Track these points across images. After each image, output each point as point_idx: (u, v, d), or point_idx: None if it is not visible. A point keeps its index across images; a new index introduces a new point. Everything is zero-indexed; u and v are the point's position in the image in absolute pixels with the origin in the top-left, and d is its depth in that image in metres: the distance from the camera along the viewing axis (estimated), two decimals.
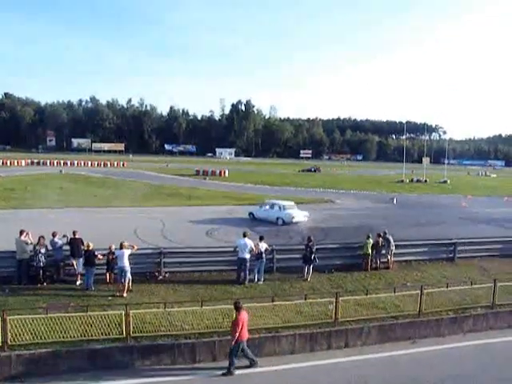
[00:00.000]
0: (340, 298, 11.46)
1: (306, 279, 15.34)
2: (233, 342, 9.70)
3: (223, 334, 10.54)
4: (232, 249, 15.47)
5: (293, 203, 28.84)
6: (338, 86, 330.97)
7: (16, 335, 9.77)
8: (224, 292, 13.65)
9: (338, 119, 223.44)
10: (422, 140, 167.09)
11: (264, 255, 15.09)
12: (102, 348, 9.98)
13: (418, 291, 12.26)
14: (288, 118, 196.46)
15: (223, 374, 9.74)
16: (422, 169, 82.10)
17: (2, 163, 77.19)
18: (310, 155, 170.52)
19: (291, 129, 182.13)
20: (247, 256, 14.68)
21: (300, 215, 27.24)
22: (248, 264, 14.72)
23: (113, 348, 10.04)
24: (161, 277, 14.93)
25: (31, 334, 9.86)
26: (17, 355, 9.60)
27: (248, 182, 55.73)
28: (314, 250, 15.45)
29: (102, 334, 10.13)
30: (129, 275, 13.52)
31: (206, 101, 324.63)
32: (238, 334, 9.63)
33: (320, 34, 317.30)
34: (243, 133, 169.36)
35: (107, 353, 10.00)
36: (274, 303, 11.35)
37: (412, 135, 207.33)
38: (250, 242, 14.89)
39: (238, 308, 9.90)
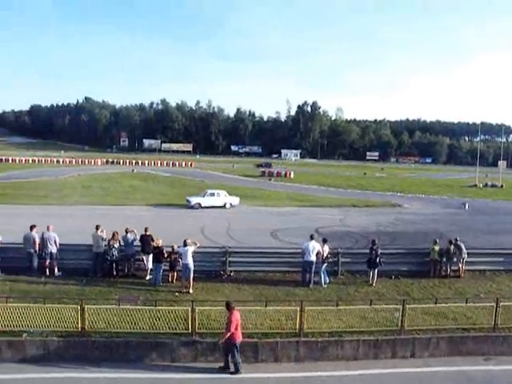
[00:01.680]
0: (407, 306, 11.05)
1: (371, 284, 14.96)
2: (221, 341, 9.69)
3: (286, 335, 10.56)
4: (297, 250, 15.43)
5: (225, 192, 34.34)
6: (407, 88, 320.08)
7: (92, 323, 10.42)
8: (288, 293, 13.62)
9: (407, 120, 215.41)
10: (499, 142, 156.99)
11: (328, 258, 14.91)
12: (168, 342, 10.34)
13: (493, 303, 11.49)
14: (354, 120, 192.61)
15: (231, 373, 9.84)
16: (497, 173, 76.97)
17: (81, 162, 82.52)
18: (376, 157, 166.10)
19: (357, 130, 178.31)
20: (313, 259, 14.54)
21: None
22: (313, 267, 14.60)
23: (179, 342, 10.37)
24: (225, 276, 15.21)
25: (105, 322, 10.47)
26: (92, 341, 10.28)
27: (313, 184, 55.35)
28: (378, 253, 15.03)
29: (168, 328, 10.51)
30: (192, 272, 13.81)
31: (272, 102, 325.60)
32: (228, 334, 9.56)
33: (390, 38, 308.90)
34: (309, 134, 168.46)
35: (173, 346, 10.35)
36: (339, 307, 11.16)
37: (487, 137, 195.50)
38: (316, 245, 14.75)
39: (230, 308, 9.88)
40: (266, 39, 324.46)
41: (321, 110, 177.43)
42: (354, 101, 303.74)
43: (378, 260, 14.94)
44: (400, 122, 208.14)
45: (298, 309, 10.64)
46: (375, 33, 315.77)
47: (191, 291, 13.51)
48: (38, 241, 14.65)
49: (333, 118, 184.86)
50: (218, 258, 15.45)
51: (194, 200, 32.32)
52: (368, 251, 15.39)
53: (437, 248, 16.00)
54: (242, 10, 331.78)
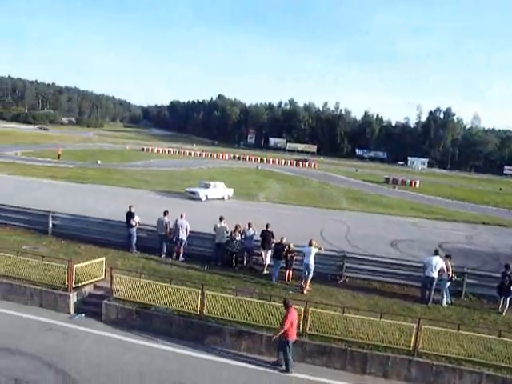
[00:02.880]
0: None
1: (501, 312, 13.51)
2: (274, 337, 9.80)
3: (398, 351, 10.11)
4: (418, 264, 14.64)
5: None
6: None
7: (210, 308, 11.12)
8: (404, 308, 12.98)
9: None
10: None
11: (450, 276, 13.85)
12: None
13: None
14: (493, 129, 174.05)
15: (282, 371, 9.92)
16: None
17: (210, 156, 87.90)
18: None
19: (495, 141, 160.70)
20: (435, 275, 13.64)
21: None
22: (435, 284, 13.70)
23: None
24: (341, 280, 15.02)
25: (221, 309, 11.10)
26: (209, 326, 10.96)
27: (440, 196, 51.59)
28: None
29: (279, 323, 10.71)
30: (312, 273, 13.93)
31: (401, 107, 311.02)
32: (282, 331, 9.65)
33: None
34: (439, 142, 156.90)
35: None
36: (460, 331, 10.30)
37: None
38: (440, 261, 13.81)
39: (287, 306, 10.02)
40: (395, 43, 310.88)
41: (454, 118, 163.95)
42: (492, 109, 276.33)
43: (511, 287, 13.46)
44: None
45: (415, 326, 10.11)
46: None
47: (305, 291, 13.61)
48: (170, 226, 16.05)
49: (467, 127, 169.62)
50: (334, 262, 15.31)
51: (201, 192, 31.88)
52: (500, 275, 13.94)
53: None
54: (375, 12, 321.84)
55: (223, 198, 33.37)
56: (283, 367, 10.02)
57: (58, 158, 54.33)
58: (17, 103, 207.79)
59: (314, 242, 14.26)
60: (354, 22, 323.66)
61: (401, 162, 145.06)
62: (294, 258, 14.59)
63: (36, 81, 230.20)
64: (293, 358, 10.07)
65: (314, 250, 14.05)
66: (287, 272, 14.79)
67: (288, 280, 14.71)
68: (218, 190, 33.53)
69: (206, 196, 31.93)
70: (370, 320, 10.65)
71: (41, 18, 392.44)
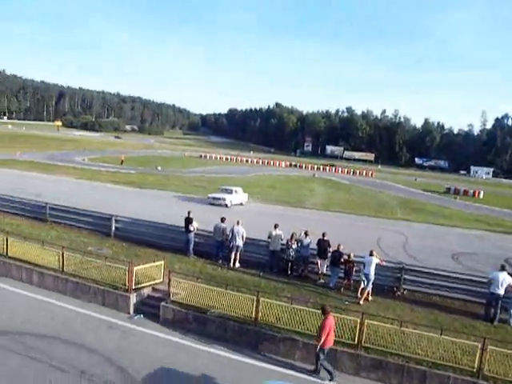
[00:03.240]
0: None
1: None
2: (318, 346, 9.74)
3: (460, 371, 9.60)
4: (482, 279, 13.90)
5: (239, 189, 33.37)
6: None
7: (264, 315, 11.15)
8: (466, 325, 12.30)
9: None
10: None
11: None
12: (333, 349, 10.30)
13: None
14: None
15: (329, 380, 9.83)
16: None
17: (267, 163, 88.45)
18: None
19: None
20: (501, 292, 12.86)
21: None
22: (500, 301, 12.92)
23: (343, 352, 10.34)
24: (399, 293, 14.56)
25: (275, 317, 11.09)
26: (263, 333, 10.99)
27: (507, 208, 48.62)
28: None
29: (335, 335, 10.50)
30: (371, 284, 13.65)
31: (464, 114, 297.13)
32: (323, 339, 9.63)
33: None
34: (506, 151, 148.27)
35: (337, 355, 10.35)
36: None
37: None
38: (507, 278, 12.99)
39: (325, 312, 10.02)
40: (457, 47, 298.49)
41: None
42: None
43: None
44: None
45: (479, 345, 9.56)
46: None
47: (361, 303, 13.32)
48: (226, 232, 16.30)
49: None
50: (392, 273, 14.87)
51: (227, 198, 31.01)
52: None
53: None
54: (434, 15, 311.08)
55: (241, 204, 32.98)
56: (327, 377, 9.91)
57: (121, 163, 56.93)
58: (85, 112, 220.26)
59: (374, 252, 13.98)
60: (415, 26, 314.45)
61: (463, 172, 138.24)
62: (354, 268, 14.36)
63: (102, 91, 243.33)
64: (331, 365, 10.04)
65: (375, 261, 13.76)
66: (345, 281, 14.58)
67: (345, 290, 14.45)
68: (239, 195, 33.18)
69: (231, 202, 31.35)
70: (429, 336, 10.19)
71: (111, 32, 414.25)
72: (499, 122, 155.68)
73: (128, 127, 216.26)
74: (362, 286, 13.73)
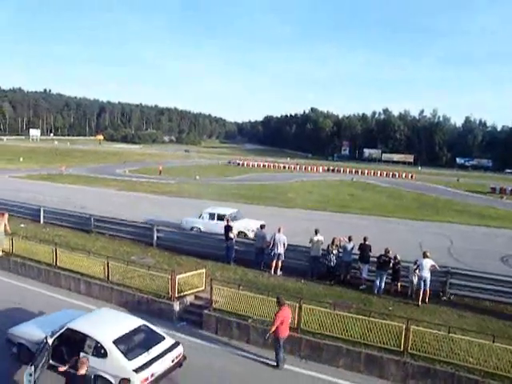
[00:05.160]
0: None
1: None
2: (270, 333, 10.12)
3: None
4: None
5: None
6: None
7: (306, 322, 11.05)
8: None
9: None
10: None
11: None
12: (379, 356, 10.16)
13: None
14: None
15: (274, 367, 10.25)
16: None
17: (304, 169, 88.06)
18: None
19: None
20: None
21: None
22: None
23: (389, 359, 10.08)
24: (445, 297, 14.09)
25: (318, 324, 10.97)
26: (306, 340, 10.88)
27: None
28: None
29: (379, 341, 10.32)
30: (428, 286, 13.42)
31: (508, 110, 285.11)
32: (274, 327, 9.96)
33: None
34: None
35: (383, 362, 10.12)
36: None
37: None
38: None
39: (279, 303, 10.33)
40: (496, 42, 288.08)
41: None
42: None
43: None
44: None
45: None
46: None
47: (420, 304, 13.19)
48: (267, 239, 16.27)
49: None
50: (437, 278, 14.34)
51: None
52: None
53: None
54: (473, 11, 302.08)
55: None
56: (275, 363, 10.29)
57: (160, 174, 58.15)
58: (125, 125, 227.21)
59: (428, 254, 13.67)
60: (451, 24, 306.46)
61: (509, 170, 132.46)
62: (401, 270, 14.12)
63: (141, 104, 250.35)
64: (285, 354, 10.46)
65: (430, 262, 13.48)
66: (394, 285, 14.34)
67: (390, 295, 14.13)
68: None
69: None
70: (480, 343, 9.76)
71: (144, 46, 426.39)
72: None
73: (166, 138, 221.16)
74: (421, 288, 13.52)
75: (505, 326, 12.09)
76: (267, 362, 10.56)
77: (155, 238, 19.32)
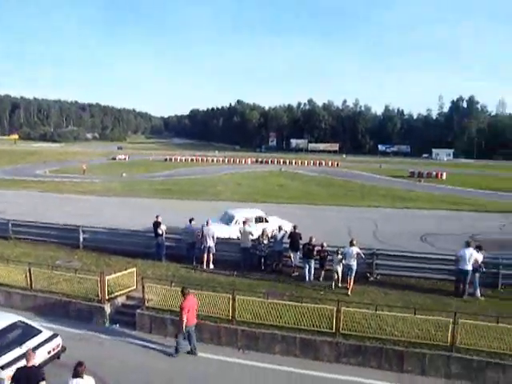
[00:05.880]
0: None
1: None
2: (183, 326, 10.16)
3: (435, 347, 9.89)
4: (450, 257, 14.31)
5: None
6: None
7: (241, 313, 11.13)
8: (438, 303, 12.64)
9: None
10: None
11: (481, 267, 13.47)
12: (312, 339, 10.51)
13: None
14: None
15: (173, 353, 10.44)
16: None
17: (233, 161, 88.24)
18: None
19: None
20: (469, 268, 13.31)
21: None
22: (469, 276, 13.36)
23: (323, 341, 10.46)
24: (372, 278, 14.82)
25: (252, 314, 11.10)
26: (241, 330, 10.97)
27: (469, 187, 50.21)
28: None
29: (312, 325, 10.66)
30: (354, 273, 13.77)
31: (422, 99, 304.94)
32: (184, 319, 10.08)
33: None
34: (464, 132, 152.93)
35: (317, 344, 10.49)
36: (499, 325, 9.92)
37: None
38: (474, 253, 13.44)
39: (184, 293, 10.45)
40: (412, 31, 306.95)
41: (479, 106, 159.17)
42: None
43: None
44: None
45: (451, 320, 9.87)
46: None
47: (350, 293, 13.41)
48: (196, 233, 16.11)
49: (493, 114, 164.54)
50: (364, 260, 15.00)
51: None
52: None
53: None
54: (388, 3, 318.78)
55: None
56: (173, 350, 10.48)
57: (83, 173, 55.56)
58: (42, 123, 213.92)
59: (354, 242, 14.13)
60: (365, 14, 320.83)
61: (425, 155, 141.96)
62: (327, 257, 14.48)
63: (59, 100, 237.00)
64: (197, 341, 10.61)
65: (356, 250, 13.90)
66: (320, 272, 14.67)
67: (319, 280, 14.57)
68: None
69: None
70: (404, 317, 10.46)
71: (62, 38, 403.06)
72: (455, 104, 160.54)
73: (89, 135, 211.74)
74: (347, 276, 13.80)
75: (424, 299, 13.01)
76: (167, 351, 10.70)
77: (81, 239, 18.47)
